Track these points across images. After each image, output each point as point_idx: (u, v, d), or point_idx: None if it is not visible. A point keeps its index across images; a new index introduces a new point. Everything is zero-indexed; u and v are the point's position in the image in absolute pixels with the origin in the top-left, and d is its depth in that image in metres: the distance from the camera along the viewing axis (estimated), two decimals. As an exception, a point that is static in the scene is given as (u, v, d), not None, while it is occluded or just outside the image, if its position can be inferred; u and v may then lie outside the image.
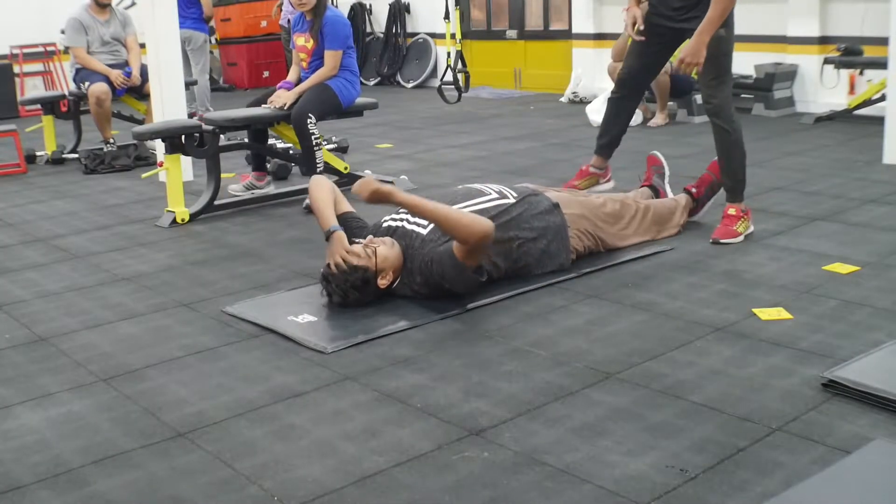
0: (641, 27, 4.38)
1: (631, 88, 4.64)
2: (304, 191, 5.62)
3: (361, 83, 12.91)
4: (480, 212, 3.51)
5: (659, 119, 7.82)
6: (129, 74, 7.11)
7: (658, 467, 2.26)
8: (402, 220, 3.65)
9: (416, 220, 3.58)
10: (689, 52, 4.01)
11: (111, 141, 7.10)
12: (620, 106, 4.68)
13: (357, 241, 3.59)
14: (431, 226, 3.49)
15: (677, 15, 4.30)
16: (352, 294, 3.43)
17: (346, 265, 3.42)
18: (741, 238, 4.18)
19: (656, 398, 2.65)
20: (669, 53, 4.63)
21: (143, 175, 5.70)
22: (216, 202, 5.19)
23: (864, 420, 2.46)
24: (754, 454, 2.31)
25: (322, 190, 3.78)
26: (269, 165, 6.25)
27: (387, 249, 3.48)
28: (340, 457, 2.39)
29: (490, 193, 3.71)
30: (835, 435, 2.39)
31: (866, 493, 2.10)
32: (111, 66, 7.14)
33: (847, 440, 2.36)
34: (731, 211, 4.23)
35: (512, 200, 3.69)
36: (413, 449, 2.41)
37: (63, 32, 7.42)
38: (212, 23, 9.81)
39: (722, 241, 4.14)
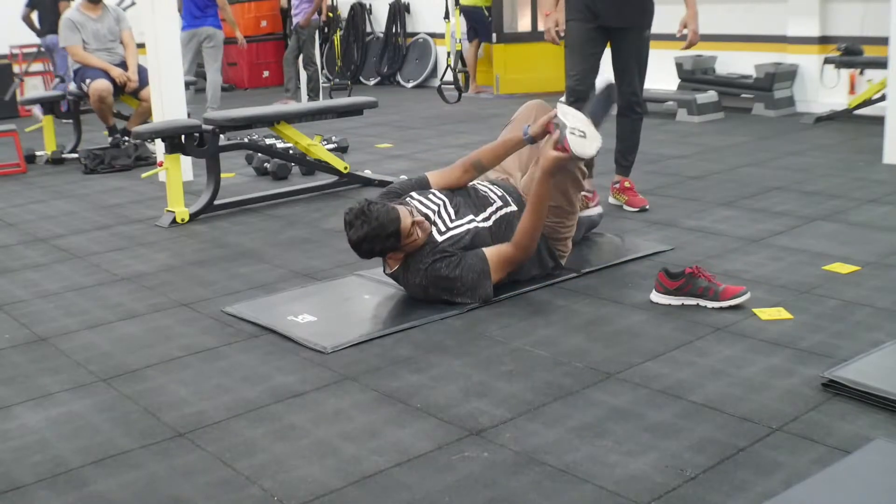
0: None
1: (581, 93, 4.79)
2: (304, 191, 5.64)
3: (361, 83, 12.86)
4: (495, 224, 3.59)
5: None
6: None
7: (658, 467, 2.26)
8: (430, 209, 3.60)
9: (443, 219, 3.54)
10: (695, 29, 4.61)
11: (117, 129, 7.04)
12: None
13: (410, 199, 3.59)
14: (449, 234, 3.48)
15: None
16: (378, 230, 3.32)
17: (384, 207, 3.37)
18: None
19: (656, 398, 2.65)
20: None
21: (143, 175, 5.70)
22: (216, 202, 5.19)
23: (864, 420, 2.46)
24: (754, 454, 2.31)
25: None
26: (268, 165, 6.26)
27: (421, 230, 3.43)
28: (340, 457, 2.39)
29: (495, 201, 3.68)
30: (835, 435, 2.39)
31: (866, 493, 2.10)
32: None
33: (847, 440, 2.36)
34: (627, 184, 4.88)
35: (514, 208, 3.67)
36: (413, 449, 2.41)
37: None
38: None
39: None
